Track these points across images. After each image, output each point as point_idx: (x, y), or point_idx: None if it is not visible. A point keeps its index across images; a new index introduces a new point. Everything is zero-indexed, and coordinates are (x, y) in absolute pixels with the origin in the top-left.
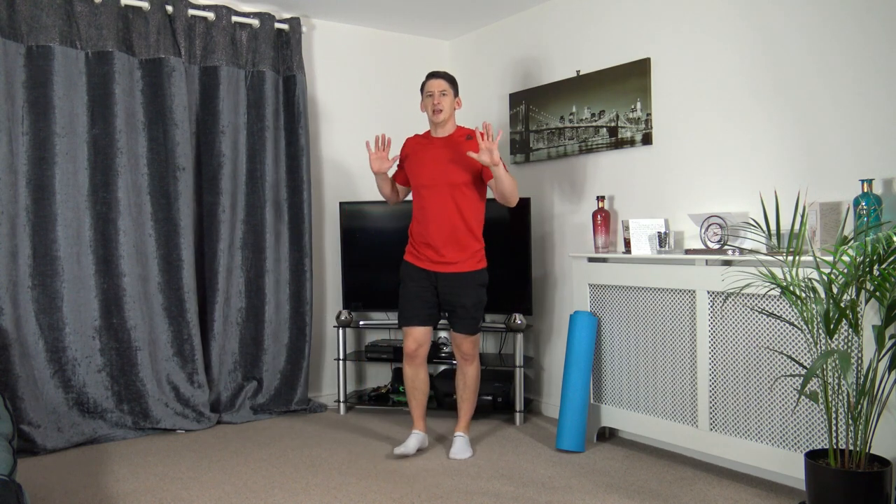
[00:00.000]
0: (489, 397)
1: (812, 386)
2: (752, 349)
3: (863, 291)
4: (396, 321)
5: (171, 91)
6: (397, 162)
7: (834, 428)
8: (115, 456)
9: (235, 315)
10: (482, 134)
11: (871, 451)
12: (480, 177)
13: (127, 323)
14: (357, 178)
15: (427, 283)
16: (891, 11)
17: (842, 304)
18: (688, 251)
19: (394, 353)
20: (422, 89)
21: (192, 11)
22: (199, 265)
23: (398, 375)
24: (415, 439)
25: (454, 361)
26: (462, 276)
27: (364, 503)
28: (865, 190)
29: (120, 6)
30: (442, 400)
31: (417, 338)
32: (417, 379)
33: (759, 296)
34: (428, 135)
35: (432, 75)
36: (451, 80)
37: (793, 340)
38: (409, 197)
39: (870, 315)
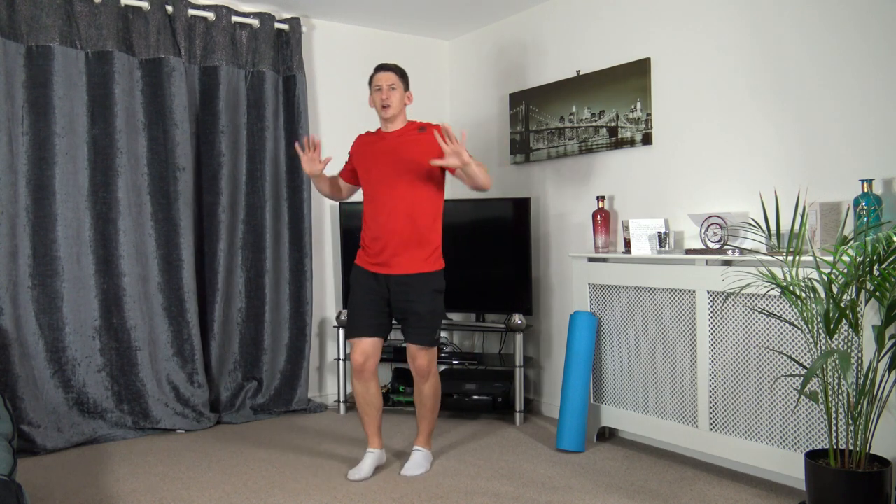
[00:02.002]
0: (489, 397)
1: (812, 386)
2: (752, 349)
3: (863, 291)
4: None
5: (171, 91)
6: (329, 163)
7: (834, 428)
8: (115, 456)
9: (235, 315)
10: (443, 138)
11: (871, 451)
12: (438, 170)
13: (127, 323)
14: None
15: (377, 290)
16: (891, 11)
17: (842, 304)
18: (688, 251)
19: (394, 353)
20: (370, 83)
21: (192, 11)
22: (199, 265)
23: (398, 375)
24: (370, 459)
25: (455, 361)
26: (416, 279)
27: (364, 503)
28: (865, 190)
29: (120, 6)
30: (442, 400)
31: (365, 350)
32: (368, 394)
33: (759, 296)
34: (379, 131)
35: (381, 68)
36: (402, 74)
37: (793, 340)
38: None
39: (870, 315)
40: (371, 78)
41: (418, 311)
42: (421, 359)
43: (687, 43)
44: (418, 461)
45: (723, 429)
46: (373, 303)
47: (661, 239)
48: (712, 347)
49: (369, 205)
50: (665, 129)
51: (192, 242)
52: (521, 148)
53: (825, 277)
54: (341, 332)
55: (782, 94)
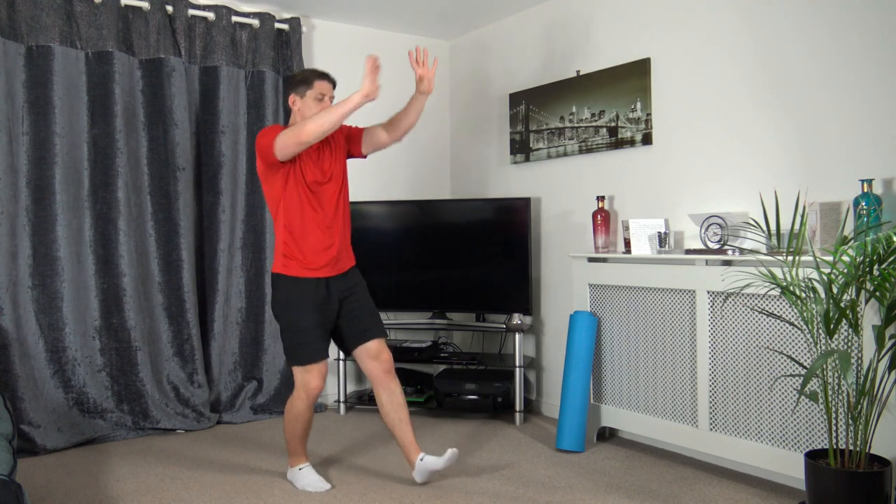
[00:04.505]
0: (489, 397)
1: (812, 386)
2: (752, 349)
3: (863, 291)
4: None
5: (171, 91)
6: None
7: (834, 428)
8: (115, 456)
9: (235, 315)
10: (417, 60)
11: (871, 451)
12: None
13: (127, 323)
14: (357, 177)
15: (325, 302)
16: (890, 11)
17: (842, 304)
18: (688, 251)
19: (394, 353)
20: (305, 82)
21: (192, 11)
22: (199, 265)
23: (398, 375)
24: (313, 471)
25: (454, 361)
26: (355, 273)
27: (364, 503)
28: (865, 190)
29: (120, 6)
30: (442, 400)
31: (324, 373)
32: (311, 417)
33: (759, 296)
34: None
35: (326, 76)
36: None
37: (793, 340)
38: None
39: (870, 315)
40: (309, 80)
41: (371, 305)
42: (387, 351)
43: (687, 43)
44: (433, 458)
45: (723, 429)
46: (324, 319)
47: (661, 239)
48: (712, 347)
49: (309, 207)
50: (665, 129)
51: (192, 242)
52: (521, 148)
53: (825, 277)
54: None
55: (782, 94)
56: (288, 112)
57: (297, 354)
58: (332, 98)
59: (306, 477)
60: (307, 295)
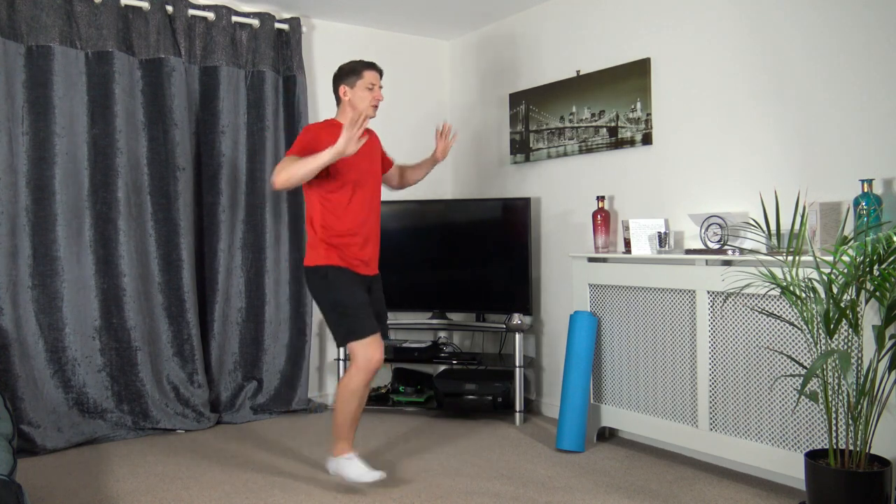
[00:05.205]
0: (489, 397)
1: (812, 386)
2: (752, 349)
3: (863, 291)
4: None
5: (171, 91)
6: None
7: (834, 428)
8: (115, 456)
9: (235, 315)
10: (441, 133)
11: (871, 451)
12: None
13: (127, 323)
14: None
15: (366, 290)
16: (890, 11)
17: (842, 304)
18: (688, 251)
19: (394, 353)
20: (354, 72)
21: (192, 11)
22: (198, 265)
23: (398, 375)
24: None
25: (454, 361)
26: (379, 277)
27: (364, 503)
28: (865, 190)
29: (120, 6)
30: (442, 400)
31: (382, 344)
32: (366, 395)
33: (759, 296)
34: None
35: (373, 66)
36: None
37: (793, 340)
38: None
39: (870, 315)
40: (359, 70)
41: (384, 306)
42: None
43: (687, 43)
44: (365, 472)
45: (723, 429)
46: (366, 300)
47: (661, 239)
48: (712, 347)
49: (348, 204)
50: (665, 129)
51: (192, 242)
52: (521, 148)
53: (825, 277)
54: None
55: (782, 94)
56: (288, 112)
57: (353, 328)
58: (381, 87)
59: (358, 467)
60: (352, 279)
